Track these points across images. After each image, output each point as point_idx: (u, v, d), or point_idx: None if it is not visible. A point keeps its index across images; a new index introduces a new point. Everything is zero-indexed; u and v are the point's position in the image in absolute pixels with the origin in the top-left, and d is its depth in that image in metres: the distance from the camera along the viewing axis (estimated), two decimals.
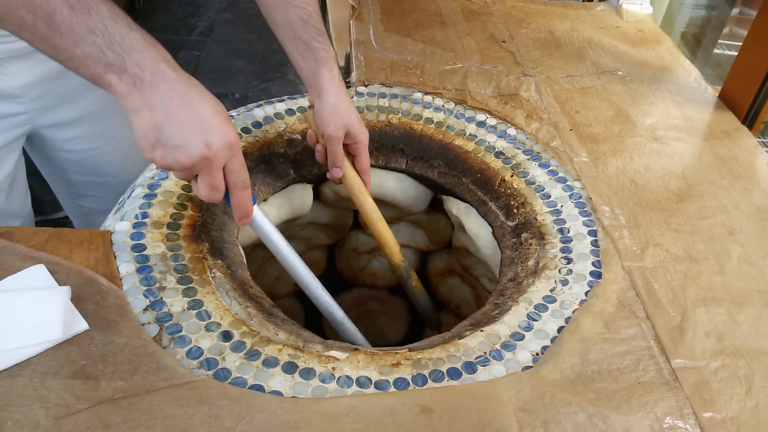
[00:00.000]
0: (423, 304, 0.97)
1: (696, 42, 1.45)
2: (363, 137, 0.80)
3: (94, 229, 0.70)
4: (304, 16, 0.76)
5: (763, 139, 1.40)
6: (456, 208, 0.90)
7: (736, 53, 1.13)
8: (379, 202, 1.00)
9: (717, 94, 1.07)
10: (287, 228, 1.03)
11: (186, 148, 0.57)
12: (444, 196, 0.93)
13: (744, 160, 0.92)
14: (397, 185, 0.94)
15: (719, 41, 1.42)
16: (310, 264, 1.26)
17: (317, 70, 0.77)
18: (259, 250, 1.05)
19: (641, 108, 1.00)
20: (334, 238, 1.21)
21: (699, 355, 0.64)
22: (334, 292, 1.33)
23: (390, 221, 1.16)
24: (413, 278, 0.93)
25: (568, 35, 1.18)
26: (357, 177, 0.83)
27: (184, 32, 3.00)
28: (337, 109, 0.77)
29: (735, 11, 1.43)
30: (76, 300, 0.61)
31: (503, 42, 1.13)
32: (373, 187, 0.94)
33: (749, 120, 1.02)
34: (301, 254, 1.21)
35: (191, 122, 0.57)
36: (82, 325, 0.59)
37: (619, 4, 1.32)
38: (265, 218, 0.71)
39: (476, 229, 0.87)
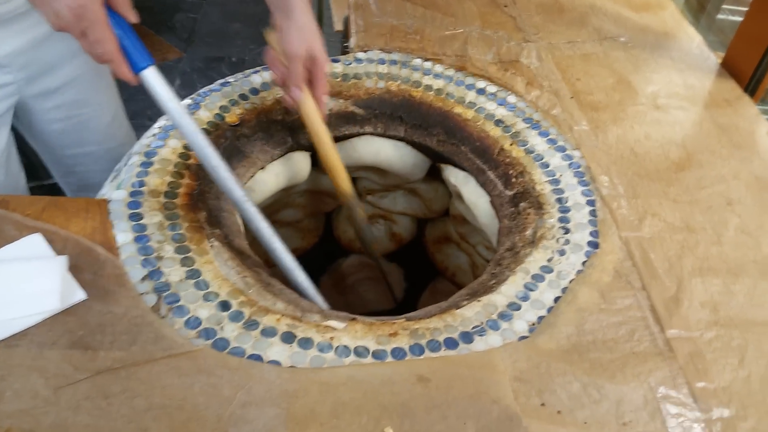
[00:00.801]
0: (366, 237, 0.96)
1: (700, 7, 1.42)
2: (324, 62, 0.78)
3: (91, 198, 0.69)
4: None
5: (764, 107, 1.39)
6: (454, 176, 0.90)
7: (740, 19, 1.11)
8: (377, 170, 0.99)
9: (720, 61, 1.06)
10: (285, 196, 1.03)
11: (45, 16, 0.59)
12: (442, 165, 0.93)
13: (745, 129, 0.91)
14: (395, 153, 0.94)
15: (723, 6, 1.39)
16: (308, 231, 1.28)
17: None
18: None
19: (643, 75, 0.99)
20: (331, 206, 1.20)
21: (693, 326, 0.64)
22: (331, 259, 1.34)
23: (387, 189, 1.16)
24: (361, 209, 0.92)
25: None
26: (313, 102, 0.79)
27: None
28: (304, 29, 0.75)
29: None
30: (74, 269, 0.61)
31: (505, 6, 1.11)
32: (371, 155, 0.94)
33: (751, 88, 1.01)
34: (298, 222, 1.23)
35: None
36: (79, 295, 0.59)
37: None
38: (164, 85, 0.65)
39: (474, 198, 0.86)
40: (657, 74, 1.00)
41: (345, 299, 1.39)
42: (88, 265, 0.62)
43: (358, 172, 1.06)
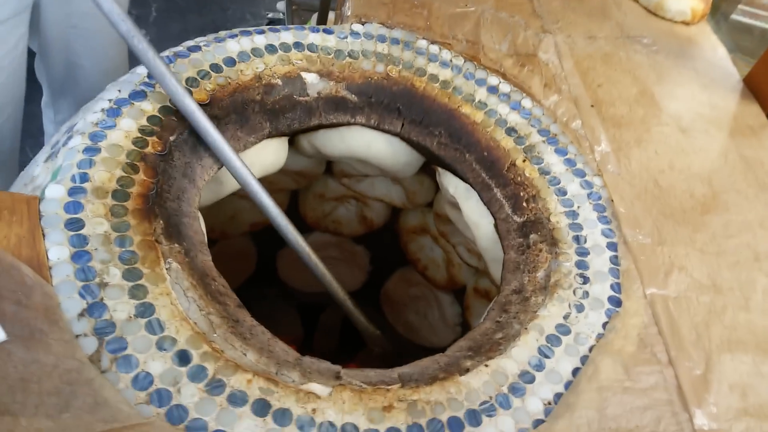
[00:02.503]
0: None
1: (717, 2, 1.33)
2: None
3: (18, 194, 0.55)
4: None
5: None
6: (453, 187, 0.79)
7: (754, 22, 1.02)
8: (363, 163, 0.87)
9: (732, 62, 0.98)
10: None
11: None
12: (440, 169, 0.81)
13: None
14: (388, 149, 0.81)
15: (739, 6, 1.30)
16: None
17: None
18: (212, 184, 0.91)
19: (666, 88, 0.89)
20: (300, 184, 1.07)
21: (722, 415, 0.57)
22: None
23: (367, 175, 1.04)
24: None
25: None
26: None
27: None
28: None
29: None
30: None
31: None
32: (360, 148, 0.81)
33: None
34: None
35: None
36: None
37: None
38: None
39: (476, 217, 0.76)
40: (681, 88, 0.90)
41: (305, 275, 1.28)
42: (11, 291, 0.48)
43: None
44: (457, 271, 1.11)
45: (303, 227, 1.18)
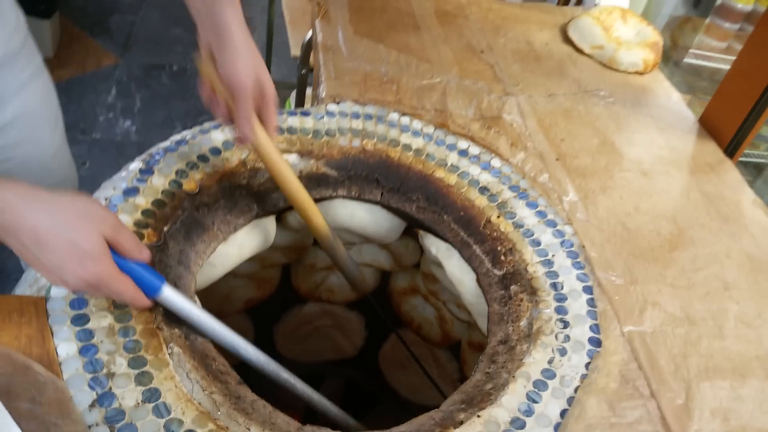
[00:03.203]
0: (353, 272, 0.89)
1: (669, 49, 1.41)
2: (273, 95, 0.68)
3: (26, 296, 0.58)
4: None
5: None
6: (435, 247, 0.83)
7: (703, 63, 1.09)
8: (348, 232, 0.91)
9: (686, 103, 1.04)
10: None
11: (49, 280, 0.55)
12: (421, 232, 0.86)
13: (730, 198, 0.88)
14: (370, 218, 0.86)
15: (690, 50, 1.38)
16: (264, 281, 1.18)
17: (218, 3, 0.65)
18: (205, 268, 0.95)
19: (626, 136, 0.95)
20: (291, 258, 1.11)
21: None
22: (288, 307, 1.25)
23: (354, 243, 1.08)
24: (340, 246, 0.84)
25: (547, 47, 1.11)
26: (267, 136, 0.69)
27: None
28: (246, 54, 0.64)
29: (707, 20, 1.40)
30: (6, 396, 0.50)
31: (481, 52, 1.05)
32: (344, 219, 0.86)
33: (731, 149, 0.99)
34: (255, 273, 1.13)
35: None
36: None
37: (596, 5, 1.26)
38: (183, 298, 0.60)
39: (458, 274, 0.80)
40: (639, 134, 0.96)
41: (302, 347, 1.30)
42: (25, 390, 0.51)
43: None
44: (450, 327, 1.14)
45: (297, 299, 1.22)
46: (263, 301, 1.19)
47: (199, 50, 0.67)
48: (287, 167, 0.71)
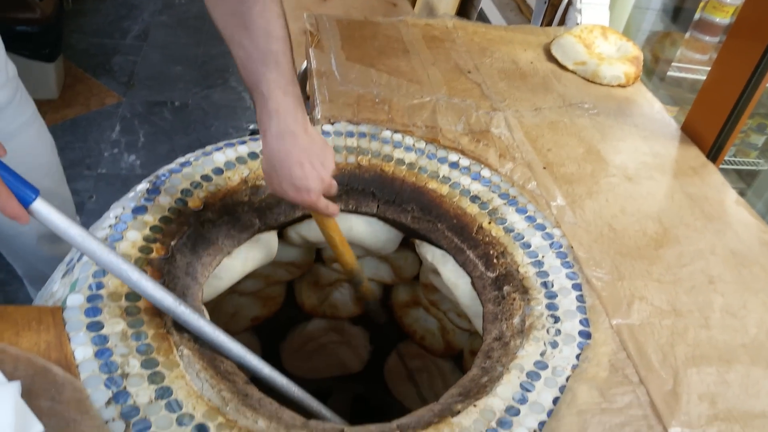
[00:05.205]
0: (372, 304, 0.98)
1: (651, 64, 1.47)
2: (334, 185, 0.76)
3: (43, 306, 0.62)
4: None
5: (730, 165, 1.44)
6: (431, 254, 0.87)
7: (687, 75, 1.14)
8: (350, 245, 0.95)
9: (673, 115, 1.08)
10: None
11: None
12: (417, 241, 0.89)
13: (714, 198, 0.92)
14: (368, 230, 0.90)
15: (673, 63, 1.44)
16: (269, 299, 1.22)
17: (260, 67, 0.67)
18: (211, 279, 0.98)
19: (610, 144, 0.99)
20: (295, 275, 1.15)
21: (695, 422, 0.62)
22: (293, 324, 1.28)
23: (357, 256, 1.11)
24: (365, 282, 0.94)
25: (532, 66, 1.16)
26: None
27: (118, 36, 2.84)
28: (318, 153, 0.71)
29: (687, 35, 1.46)
30: (27, 395, 0.54)
31: (469, 72, 1.10)
32: (343, 232, 0.89)
33: (713, 154, 1.03)
34: (260, 291, 1.16)
35: None
36: (36, 428, 0.52)
37: (578, 24, 1.31)
38: (57, 213, 0.58)
39: (454, 278, 0.83)
40: (624, 142, 1.01)
41: (309, 364, 1.33)
42: (44, 390, 0.55)
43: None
44: (452, 336, 1.17)
45: (301, 316, 1.25)
46: (270, 319, 1.22)
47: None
48: (337, 230, 0.84)
